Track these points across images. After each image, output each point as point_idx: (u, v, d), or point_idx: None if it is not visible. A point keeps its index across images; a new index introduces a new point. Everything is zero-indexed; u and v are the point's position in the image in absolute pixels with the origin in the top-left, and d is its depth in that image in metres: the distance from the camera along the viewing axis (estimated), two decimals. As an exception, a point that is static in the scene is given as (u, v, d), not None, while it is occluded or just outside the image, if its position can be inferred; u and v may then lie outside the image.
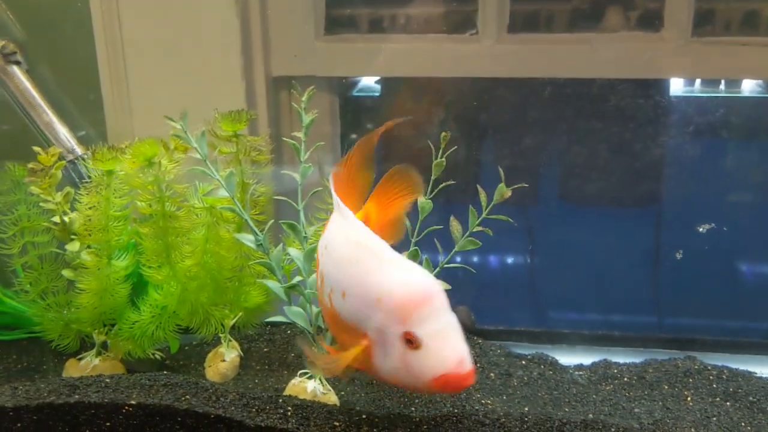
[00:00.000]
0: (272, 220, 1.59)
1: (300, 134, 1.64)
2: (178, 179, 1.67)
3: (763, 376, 1.82)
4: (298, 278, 1.57)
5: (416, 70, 2.31)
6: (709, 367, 1.81)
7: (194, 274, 1.63)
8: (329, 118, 2.43)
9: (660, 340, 1.97)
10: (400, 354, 1.10)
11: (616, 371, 1.83)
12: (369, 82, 2.48)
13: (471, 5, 2.23)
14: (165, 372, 1.53)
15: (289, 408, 1.24)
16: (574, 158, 2.41)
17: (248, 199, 1.58)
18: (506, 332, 1.98)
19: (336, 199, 1.29)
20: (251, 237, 1.57)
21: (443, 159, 1.65)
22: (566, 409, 1.66)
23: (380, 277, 1.13)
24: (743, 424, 1.57)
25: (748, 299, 2.15)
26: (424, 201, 1.66)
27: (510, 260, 2.29)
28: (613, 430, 1.24)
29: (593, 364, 1.89)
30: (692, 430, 1.54)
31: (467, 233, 1.59)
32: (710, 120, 2.32)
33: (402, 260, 1.18)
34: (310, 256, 1.55)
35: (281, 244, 1.61)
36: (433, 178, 1.67)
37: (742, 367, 1.86)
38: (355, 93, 2.52)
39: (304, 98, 1.64)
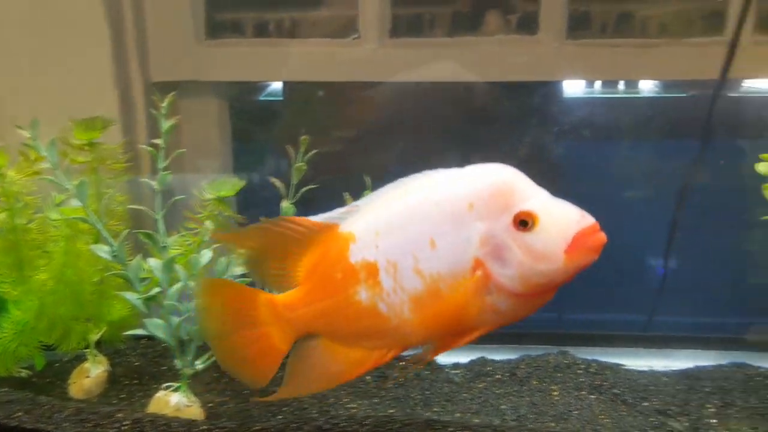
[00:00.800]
0: (127, 230, 1.55)
1: (160, 141, 1.61)
2: (36, 190, 1.62)
3: (631, 368, 1.87)
4: (156, 289, 1.53)
5: (300, 74, 2.31)
6: (579, 361, 1.85)
7: (51, 288, 1.58)
8: (216, 123, 2.39)
9: (536, 336, 2.00)
10: (519, 246, 0.98)
11: (490, 369, 1.86)
12: (278, 85, 2.46)
13: (353, 10, 2.23)
14: (6, 389, 1.48)
15: (127, 422, 1.22)
16: (466, 161, 2.43)
17: (103, 208, 1.54)
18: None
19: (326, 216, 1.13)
20: (106, 248, 1.53)
21: (303, 163, 1.64)
22: (435, 409, 1.67)
23: (459, 187, 1.02)
24: (602, 416, 1.61)
25: (624, 293, 2.21)
26: (287, 205, 1.65)
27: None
28: (450, 429, 1.25)
29: (470, 362, 1.91)
30: (552, 424, 1.57)
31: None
32: (605, 120, 2.38)
33: (454, 170, 1.07)
34: (169, 266, 1.53)
35: (139, 255, 1.57)
36: (293, 182, 1.66)
37: (613, 360, 1.91)
38: (261, 97, 2.49)
39: (164, 104, 1.61)
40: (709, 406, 1.67)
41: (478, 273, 1.00)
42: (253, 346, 1.14)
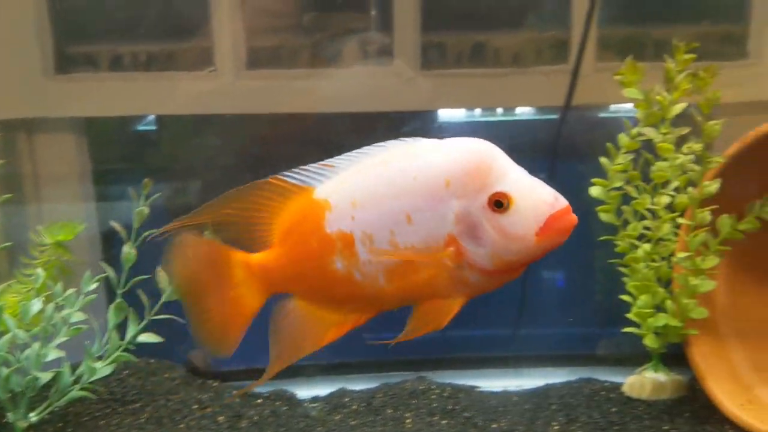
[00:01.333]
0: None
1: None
2: None
3: (485, 390, 1.91)
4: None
5: (156, 108, 2.27)
6: (434, 386, 1.88)
7: None
8: (74, 158, 2.32)
9: (395, 363, 2.02)
10: (493, 227, 1.01)
11: (347, 400, 1.86)
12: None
13: (208, 42, 2.21)
14: None
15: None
16: None
17: None
18: (246, 372, 1.96)
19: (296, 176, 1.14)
20: None
21: (145, 207, 1.61)
22: (287, 446, 1.66)
23: (436, 161, 1.04)
24: (450, 441, 1.63)
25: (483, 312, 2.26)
26: (127, 251, 1.61)
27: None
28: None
29: (330, 394, 1.91)
30: (399, 453, 1.58)
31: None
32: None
33: (430, 141, 1.08)
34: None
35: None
36: (135, 227, 1.63)
37: (470, 382, 1.94)
38: (139, 127, 2.43)
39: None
40: (554, 423, 1.73)
41: (451, 249, 1.03)
42: (225, 305, 1.14)
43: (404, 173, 1.06)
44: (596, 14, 2.19)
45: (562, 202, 1.01)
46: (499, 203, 1.00)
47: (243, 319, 1.15)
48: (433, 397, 1.83)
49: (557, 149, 2.24)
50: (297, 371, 2.00)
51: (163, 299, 1.58)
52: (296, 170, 1.14)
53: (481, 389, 1.91)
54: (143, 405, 1.77)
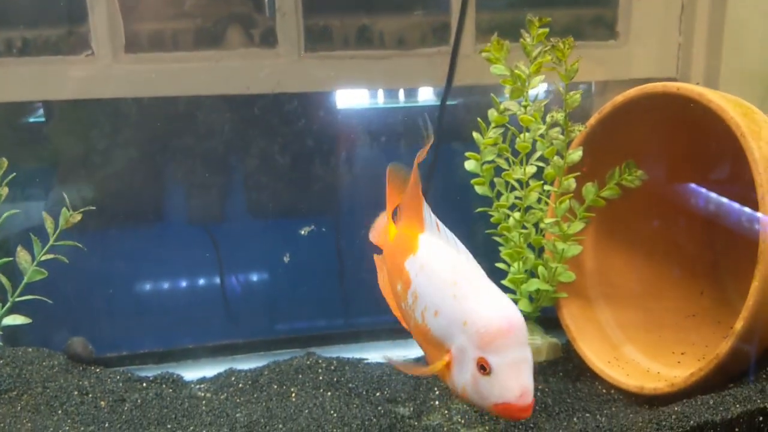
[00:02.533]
0: None
1: None
2: None
3: (372, 361, 1.94)
4: None
5: (33, 93, 2.21)
6: (321, 360, 1.90)
7: None
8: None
9: (283, 341, 2.04)
10: (472, 375, 1.16)
11: (234, 379, 1.86)
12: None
13: (84, 26, 2.16)
14: None
15: None
16: (254, 174, 2.44)
17: None
18: (129, 357, 1.94)
19: (429, 219, 1.33)
20: None
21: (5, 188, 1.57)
22: (168, 426, 1.65)
23: (471, 303, 1.19)
24: (333, 411, 1.66)
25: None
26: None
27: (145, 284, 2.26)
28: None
29: (216, 375, 1.91)
30: (281, 425, 1.60)
31: (35, 262, 1.53)
32: (379, 129, 2.47)
33: (493, 289, 1.21)
34: None
35: None
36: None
37: (357, 355, 1.98)
38: (32, 119, 2.35)
39: None
40: (436, 389, 1.78)
41: (446, 358, 1.21)
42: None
43: (447, 283, 1.25)
44: (473, -2, 2.26)
45: (525, 401, 1.15)
46: (482, 367, 1.15)
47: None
48: (319, 371, 1.86)
49: (441, 128, 2.29)
50: (184, 354, 1.99)
51: (25, 281, 1.54)
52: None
53: (368, 361, 1.94)
54: (19, 393, 1.73)
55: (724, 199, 1.89)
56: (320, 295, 2.27)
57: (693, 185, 1.88)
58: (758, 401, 1.34)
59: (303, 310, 2.25)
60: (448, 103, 2.31)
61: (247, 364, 1.95)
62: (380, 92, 2.54)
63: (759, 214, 1.44)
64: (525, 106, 1.73)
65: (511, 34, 1.82)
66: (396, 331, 2.15)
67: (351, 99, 2.47)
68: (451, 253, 1.28)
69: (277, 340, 2.05)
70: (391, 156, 2.48)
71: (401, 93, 2.56)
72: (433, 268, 1.28)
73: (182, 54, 2.22)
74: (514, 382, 1.15)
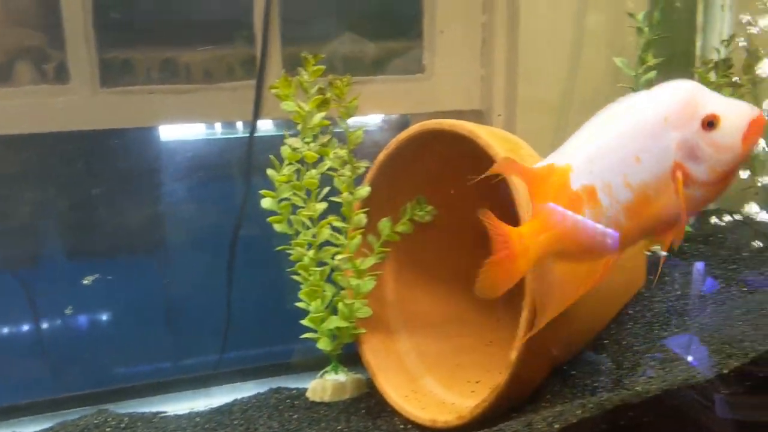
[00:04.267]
0: None
1: None
2: None
3: (170, 414, 1.85)
4: None
5: None
6: (111, 418, 1.80)
7: None
8: None
9: (71, 399, 1.91)
10: (708, 144, 1.16)
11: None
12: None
13: None
14: None
15: None
16: (76, 213, 2.28)
17: None
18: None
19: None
20: None
21: None
22: None
23: (649, 108, 1.19)
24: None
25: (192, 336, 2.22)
26: None
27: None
28: None
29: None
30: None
31: None
32: (211, 162, 2.37)
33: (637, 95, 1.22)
34: None
35: None
36: None
37: (155, 408, 1.89)
38: None
39: None
40: (233, 440, 1.71)
41: (678, 174, 1.19)
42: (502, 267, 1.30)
43: (628, 123, 1.22)
44: (276, 31, 2.24)
45: (756, 111, 1.18)
46: (711, 123, 1.17)
47: (511, 281, 1.32)
48: (107, 429, 1.75)
49: (251, 162, 2.25)
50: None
51: None
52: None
53: (165, 414, 1.85)
54: None
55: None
56: (122, 342, 2.15)
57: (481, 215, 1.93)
58: (522, 435, 1.37)
59: (98, 362, 2.12)
60: (269, 135, 2.28)
61: (33, 426, 1.80)
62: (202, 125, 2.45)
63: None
64: (308, 143, 1.71)
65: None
66: (200, 380, 2.07)
67: (169, 132, 2.38)
68: (587, 130, 1.27)
69: (68, 398, 1.91)
70: (207, 189, 2.40)
71: (239, 124, 2.50)
72: (598, 143, 1.25)
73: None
74: (737, 105, 1.19)
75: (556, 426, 1.36)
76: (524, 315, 1.50)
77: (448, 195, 1.88)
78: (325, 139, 1.74)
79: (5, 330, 2.15)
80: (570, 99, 2.30)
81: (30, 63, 2.16)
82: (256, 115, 2.26)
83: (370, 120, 2.53)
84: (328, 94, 1.69)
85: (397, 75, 2.47)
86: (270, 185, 1.85)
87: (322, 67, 1.69)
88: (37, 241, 2.31)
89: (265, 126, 2.47)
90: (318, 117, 1.70)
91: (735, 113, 1.20)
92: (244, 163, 2.36)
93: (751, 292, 1.77)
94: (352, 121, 1.81)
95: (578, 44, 2.26)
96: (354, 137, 1.71)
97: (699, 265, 1.85)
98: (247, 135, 2.32)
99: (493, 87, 2.44)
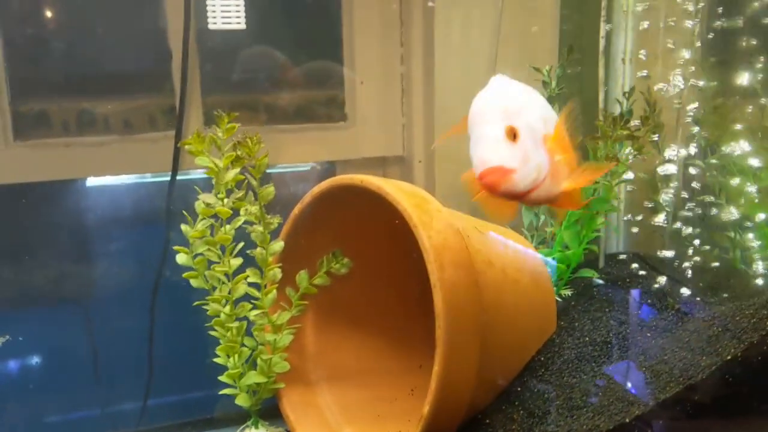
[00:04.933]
0: None
1: None
2: None
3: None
4: None
5: None
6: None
7: None
8: None
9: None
10: None
11: None
12: None
13: None
14: None
15: None
16: None
17: None
18: None
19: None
20: None
21: None
22: None
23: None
24: None
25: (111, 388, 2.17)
26: None
27: None
28: None
29: None
30: None
31: None
32: (132, 207, 2.33)
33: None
34: None
35: None
36: None
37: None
38: None
39: None
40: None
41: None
42: None
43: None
44: (197, 82, 2.25)
45: (483, 168, 1.25)
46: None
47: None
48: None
49: (169, 213, 2.24)
50: None
51: None
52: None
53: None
54: None
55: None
56: (43, 394, 2.09)
57: (398, 264, 1.96)
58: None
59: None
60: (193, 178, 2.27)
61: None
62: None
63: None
64: (221, 199, 1.72)
65: (242, 117, 1.81)
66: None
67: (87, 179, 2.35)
68: None
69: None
70: (131, 235, 2.38)
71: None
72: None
73: None
74: (476, 158, 1.26)
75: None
76: (436, 369, 1.52)
77: (364, 246, 1.91)
78: (239, 194, 1.74)
79: None
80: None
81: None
82: (176, 167, 2.26)
83: (295, 168, 2.56)
84: (239, 152, 1.70)
85: (320, 123, 2.51)
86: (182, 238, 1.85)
87: (236, 124, 1.70)
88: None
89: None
90: (232, 173, 1.71)
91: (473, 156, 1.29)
92: (164, 211, 2.34)
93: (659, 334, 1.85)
94: (269, 170, 1.82)
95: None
96: (265, 193, 1.73)
97: (605, 310, 1.92)
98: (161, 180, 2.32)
99: (414, 134, 2.49)
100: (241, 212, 1.75)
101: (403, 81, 2.49)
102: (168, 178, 2.29)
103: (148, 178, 2.44)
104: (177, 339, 2.29)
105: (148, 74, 2.33)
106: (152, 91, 2.34)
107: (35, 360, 2.23)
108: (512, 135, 1.26)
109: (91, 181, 2.36)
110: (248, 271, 1.78)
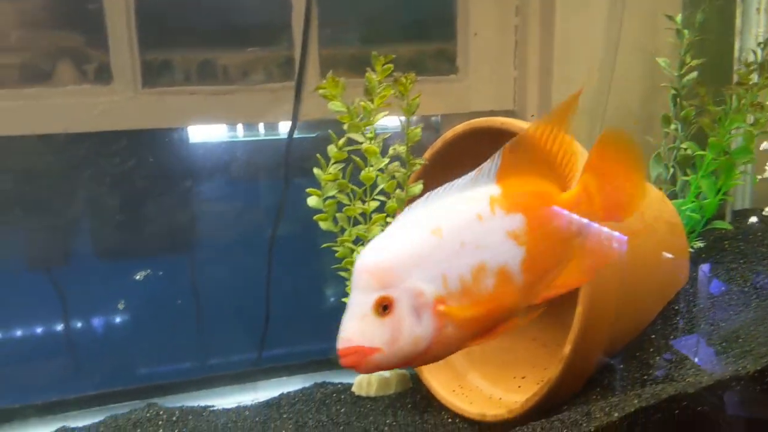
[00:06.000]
0: None
1: None
2: None
3: (218, 408, 1.87)
4: None
5: None
6: (162, 412, 1.81)
7: None
8: None
9: (120, 393, 1.93)
10: None
11: (61, 439, 1.73)
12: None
13: None
14: None
15: None
16: (109, 213, 2.30)
17: None
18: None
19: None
20: None
21: None
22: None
23: None
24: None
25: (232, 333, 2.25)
26: None
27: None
28: None
29: (46, 435, 1.77)
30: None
31: None
32: (232, 163, 2.40)
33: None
34: None
35: None
36: None
37: (203, 402, 1.90)
38: None
39: None
40: (284, 431, 1.73)
41: None
42: None
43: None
44: (315, 34, 2.27)
45: (340, 346, 1.09)
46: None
47: None
48: (160, 423, 1.78)
49: (288, 164, 2.28)
50: (9, 415, 1.83)
51: None
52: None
53: (213, 408, 1.87)
54: None
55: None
56: (167, 339, 2.17)
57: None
58: (584, 425, 1.39)
59: (146, 358, 2.14)
60: (306, 136, 2.30)
61: (82, 420, 1.82)
62: (240, 126, 2.48)
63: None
64: (370, 138, 1.74)
65: (355, 69, 1.83)
66: (245, 375, 2.10)
67: (202, 133, 2.41)
68: None
69: (116, 392, 1.93)
70: (243, 190, 2.43)
71: (261, 126, 2.53)
72: None
73: (7, 91, 2.08)
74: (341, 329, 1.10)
75: (615, 415, 1.38)
76: (579, 309, 1.52)
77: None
78: (386, 135, 1.77)
79: (57, 326, 2.17)
80: (604, 100, 2.33)
81: (73, 64, 2.19)
82: (296, 116, 2.29)
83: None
84: (390, 91, 1.72)
85: (431, 76, 2.50)
86: (301, 187, 1.88)
87: (390, 66, 1.71)
88: (80, 240, 2.32)
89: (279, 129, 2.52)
90: (381, 114, 1.73)
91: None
92: (282, 164, 2.38)
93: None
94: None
95: (613, 46, 2.29)
96: (412, 134, 1.74)
97: (740, 261, 1.88)
98: (274, 138, 2.35)
99: (527, 88, 2.47)
100: (389, 151, 1.77)
101: (516, 32, 2.46)
102: (277, 137, 2.34)
103: (261, 135, 2.48)
104: (294, 284, 2.33)
105: (268, 26, 2.36)
106: (271, 42, 2.37)
107: (164, 304, 2.29)
108: (382, 308, 1.08)
109: (207, 136, 2.41)
110: (387, 210, 1.80)
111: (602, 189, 1.22)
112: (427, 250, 1.12)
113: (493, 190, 1.18)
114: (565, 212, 1.21)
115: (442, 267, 1.11)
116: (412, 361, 1.13)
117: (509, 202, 1.17)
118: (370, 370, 1.11)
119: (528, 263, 1.16)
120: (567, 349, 1.53)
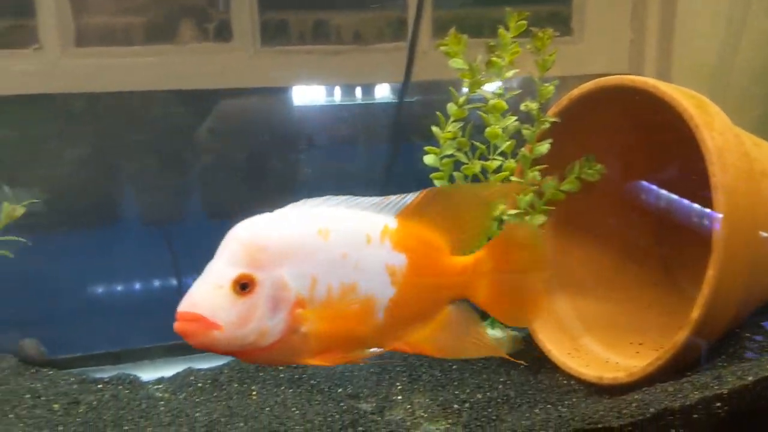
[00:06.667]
0: None
1: None
2: None
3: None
4: None
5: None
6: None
7: None
8: None
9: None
10: None
11: (193, 378, 1.83)
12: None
13: (32, 19, 2.10)
14: None
15: None
16: (210, 172, 2.38)
17: None
18: (82, 359, 1.88)
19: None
20: None
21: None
22: (125, 428, 1.61)
23: None
24: (294, 408, 1.64)
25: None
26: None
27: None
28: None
29: (175, 375, 1.86)
30: (241, 424, 1.57)
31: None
32: (336, 126, 2.44)
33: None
34: None
35: None
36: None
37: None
38: None
39: None
40: (398, 384, 1.77)
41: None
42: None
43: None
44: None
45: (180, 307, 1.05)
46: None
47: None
48: (280, 368, 1.83)
49: (399, 124, 2.29)
50: (141, 354, 1.94)
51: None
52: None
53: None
54: (-33, 398, 1.66)
55: (674, 195, 1.92)
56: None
57: (646, 179, 1.92)
58: (715, 387, 1.37)
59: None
60: (405, 100, 2.31)
61: (207, 363, 1.91)
62: (337, 90, 2.51)
63: (708, 210, 1.47)
64: (499, 94, 1.74)
65: (467, 31, 1.82)
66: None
67: (307, 96, 2.45)
68: None
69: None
70: (348, 153, 2.46)
71: (358, 91, 2.54)
72: None
73: (133, 48, 2.16)
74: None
75: (750, 378, 1.35)
76: (710, 273, 1.48)
77: (609, 157, 1.87)
78: (516, 92, 1.76)
79: (170, 278, 2.26)
80: (730, 63, 2.24)
81: (194, 22, 2.25)
82: (408, 76, 2.29)
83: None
84: (518, 49, 1.70)
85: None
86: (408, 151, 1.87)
87: (524, 23, 1.69)
88: (181, 198, 2.40)
89: (380, 93, 2.52)
90: (512, 72, 1.72)
91: None
92: (391, 126, 2.39)
93: None
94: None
95: (743, 6, 2.19)
96: (545, 91, 1.72)
97: None
98: (381, 102, 2.37)
99: (644, 51, 2.39)
100: (521, 107, 1.75)
101: (634, -5, 2.38)
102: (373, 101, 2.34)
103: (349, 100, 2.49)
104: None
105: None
106: (384, 3, 2.37)
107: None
108: (240, 286, 1.03)
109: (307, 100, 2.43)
110: (505, 168, 1.79)
111: (493, 274, 1.20)
112: (307, 246, 1.08)
113: (391, 222, 1.16)
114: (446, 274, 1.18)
115: (315, 269, 1.08)
116: (247, 354, 1.09)
117: (400, 239, 1.14)
118: (200, 346, 1.04)
119: (393, 305, 1.14)
120: (695, 313, 1.50)
